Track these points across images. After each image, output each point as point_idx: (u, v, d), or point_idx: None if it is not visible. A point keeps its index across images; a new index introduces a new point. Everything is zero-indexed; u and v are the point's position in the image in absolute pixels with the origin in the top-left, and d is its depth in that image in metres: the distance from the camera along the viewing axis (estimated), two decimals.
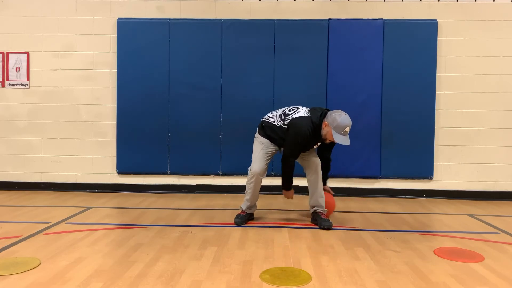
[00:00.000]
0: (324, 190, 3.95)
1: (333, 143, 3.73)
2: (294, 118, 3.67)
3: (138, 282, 2.49)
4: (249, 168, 3.84)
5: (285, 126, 3.69)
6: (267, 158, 3.81)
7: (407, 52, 5.13)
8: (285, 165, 3.70)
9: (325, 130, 3.58)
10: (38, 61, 5.32)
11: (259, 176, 3.78)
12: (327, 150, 3.97)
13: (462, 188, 5.23)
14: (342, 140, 3.52)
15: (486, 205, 4.91)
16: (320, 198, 3.82)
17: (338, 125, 3.49)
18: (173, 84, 5.23)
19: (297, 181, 4.78)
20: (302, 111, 3.72)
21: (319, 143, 3.75)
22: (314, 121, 3.60)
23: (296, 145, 3.63)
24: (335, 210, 4.18)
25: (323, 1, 5.24)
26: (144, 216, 4.14)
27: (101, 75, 5.30)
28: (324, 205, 3.85)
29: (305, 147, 3.74)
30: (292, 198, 3.97)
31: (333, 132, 3.52)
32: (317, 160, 3.82)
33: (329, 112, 3.62)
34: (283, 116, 3.76)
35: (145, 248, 3.12)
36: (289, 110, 3.78)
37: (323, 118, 3.60)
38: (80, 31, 5.30)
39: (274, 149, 3.81)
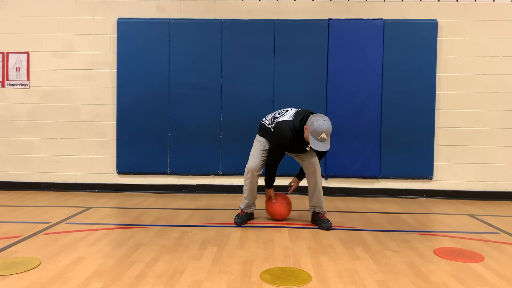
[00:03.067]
0: (291, 184, 4.09)
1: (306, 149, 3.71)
2: (278, 121, 3.71)
3: (138, 282, 2.49)
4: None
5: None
6: (263, 155, 3.83)
7: (407, 52, 5.13)
8: (266, 166, 3.78)
9: (305, 134, 3.54)
10: (38, 61, 5.32)
11: (255, 172, 3.80)
12: (320, 154, 3.87)
13: (462, 188, 5.23)
14: (318, 146, 3.42)
15: (486, 205, 4.91)
16: (319, 198, 3.82)
17: (315, 130, 3.41)
18: (173, 84, 5.23)
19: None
20: (288, 115, 3.72)
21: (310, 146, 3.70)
22: (295, 125, 3.58)
23: (274, 148, 3.68)
24: (283, 218, 3.99)
25: (323, 1, 5.24)
26: (144, 216, 4.14)
27: (101, 75, 5.30)
28: (323, 205, 3.85)
29: (291, 150, 3.76)
30: (270, 200, 3.92)
31: (310, 137, 3.45)
32: (315, 161, 3.81)
33: (310, 116, 3.56)
34: (273, 119, 3.81)
35: (145, 248, 3.12)
36: (278, 114, 3.83)
37: (305, 122, 3.55)
38: (80, 31, 5.30)
39: None
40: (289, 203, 3.99)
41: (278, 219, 3.97)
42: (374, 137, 5.18)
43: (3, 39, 5.33)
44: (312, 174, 3.80)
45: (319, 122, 3.41)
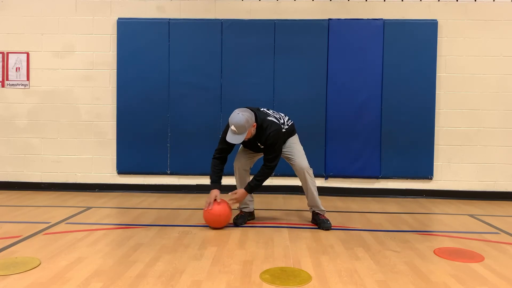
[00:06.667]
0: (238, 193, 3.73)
1: (260, 147, 3.70)
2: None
3: (138, 282, 2.49)
4: None
5: None
6: (245, 152, 3.86)
7: (407, 52, 5.13)
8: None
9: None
10: (38, 61, 5.32)
11: (238, 165, 3.81)
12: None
13: (462, 188, 5.22)
14: (230, 137, 3.47)
15: (486, 205, 4.91)
16: (313, 199, 3.79)
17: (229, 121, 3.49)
18: (173, 84, 5.23)
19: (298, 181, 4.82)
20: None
21: (258, 143, 3.67)
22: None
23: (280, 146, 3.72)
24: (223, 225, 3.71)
25: (323, 1, 5.24)
26: (144, 216, 4.14)
27: (101, 75, 5.30)
28: (319, 205, 3.80)
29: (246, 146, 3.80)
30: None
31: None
32: (300, 163, 3.74)
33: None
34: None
35: (145, 248, 3.12)
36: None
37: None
38: (80, 31, 5.30)
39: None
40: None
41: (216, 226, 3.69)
42: (374, 137, 5.18)
43: (3, 39, 5.33)
44: (300, 176, 3.78)
45: (232, 114, 3.46)
